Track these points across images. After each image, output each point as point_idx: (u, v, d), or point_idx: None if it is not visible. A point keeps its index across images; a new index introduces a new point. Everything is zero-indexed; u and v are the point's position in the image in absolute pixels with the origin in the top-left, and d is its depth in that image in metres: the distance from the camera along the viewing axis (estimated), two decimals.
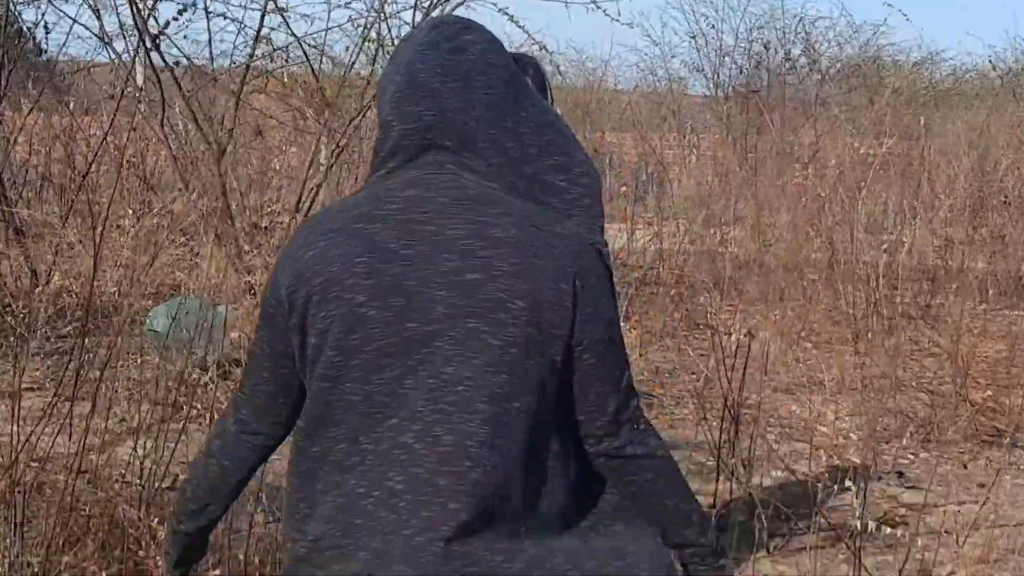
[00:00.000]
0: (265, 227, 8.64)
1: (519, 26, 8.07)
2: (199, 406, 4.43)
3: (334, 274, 1.88)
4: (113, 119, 7.08)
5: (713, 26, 16.44)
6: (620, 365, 1.95)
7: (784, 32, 16.19)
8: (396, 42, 8.14)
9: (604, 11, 11.36)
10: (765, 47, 15.78)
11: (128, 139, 8.28)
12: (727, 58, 16.44)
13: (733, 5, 16.29)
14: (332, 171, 8.95)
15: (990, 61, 18.13)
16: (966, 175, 10.85)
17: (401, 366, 1.85)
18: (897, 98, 14.44)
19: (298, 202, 8.44)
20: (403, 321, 1.86)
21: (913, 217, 10.28)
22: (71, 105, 9.45)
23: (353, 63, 8.55)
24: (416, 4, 8.06)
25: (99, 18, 8.52)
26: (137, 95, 8.00)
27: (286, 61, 8.91)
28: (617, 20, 11.41)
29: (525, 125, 1.99)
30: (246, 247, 7.94)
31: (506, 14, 8.10)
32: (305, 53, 8.35)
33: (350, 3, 8.10)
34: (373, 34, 8.19)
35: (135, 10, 7.69)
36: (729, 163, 13.03)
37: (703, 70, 16.98)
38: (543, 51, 8.53)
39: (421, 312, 1.85)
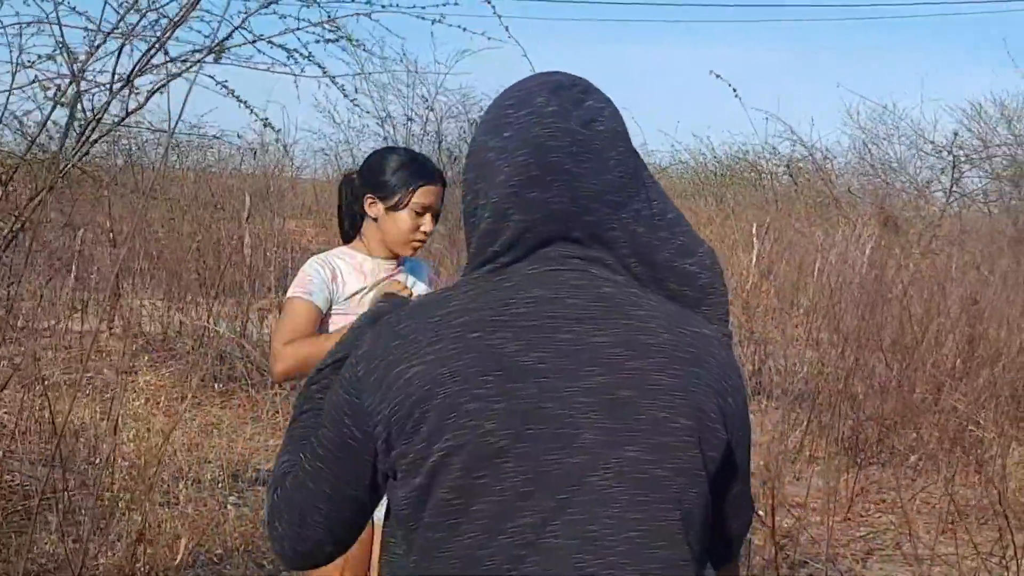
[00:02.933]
0: None
1: (247, 107, 6.96)
2: None
3: (451, 397, 1.54)
4: None
5: (409, 117, 15.78)
6: (749, 500, 1.75)
7: (472, 121, 15.80)
8: (89, 111, 6.98)
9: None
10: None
11: None
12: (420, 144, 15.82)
13: (423, 93, 15.59)
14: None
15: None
16: None
17: (543, 510, 1.52)
18: None
19: None
20: (542, 453, 1.53)
21: None
22: None
23: (39, 133, 7.14)
24: (115, 72, 6.79)
25: None
26: None
27: None
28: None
29: (651, 204, 1.73)
30: None
31: (237, 99, 7.00)
32: None
33: (40, 62, 6.56)
34: (65, 99, 6.82)
35: None
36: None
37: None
38: (268, 127, 7.40)
39: (565, 441, 1.54)
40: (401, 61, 13.28)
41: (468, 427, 1.53)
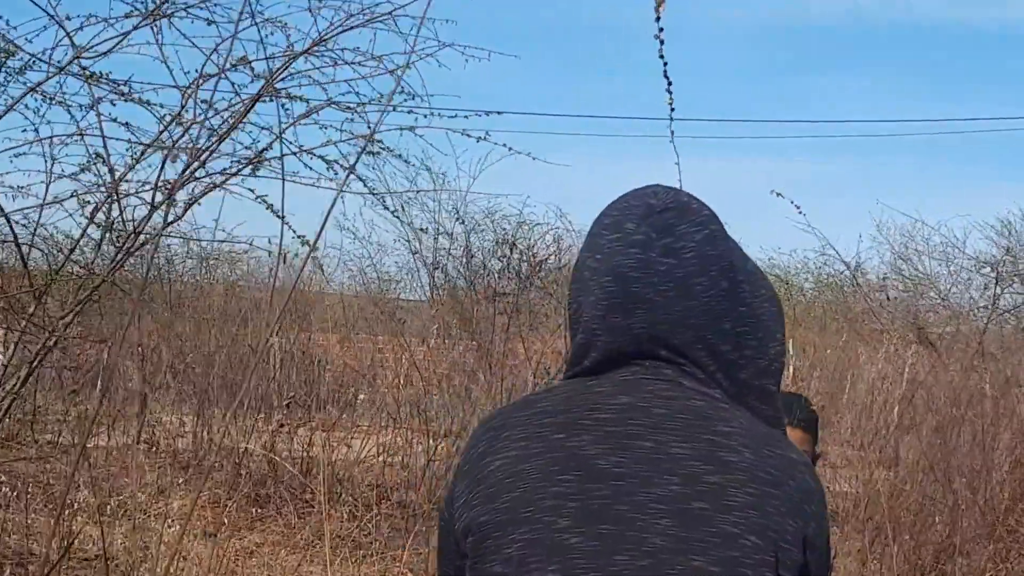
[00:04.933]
0: None
1: (285, 222, 6.85)
2: None
3: (528, 491, 1.63)
4: None
5: (424, 229, 15.70)
6: None
7: (501, 236, 15.72)
8: (127, 224, 6.88)
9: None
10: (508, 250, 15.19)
11: None
12: (445, 260, 15.72)
13: (447, 207, 15.52)
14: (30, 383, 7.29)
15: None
16: None
17: None
18: None
19: None
20: (612, 553, 1.58)
21: None
22: None
23: (73, 249, 7.02)
24: (157, 185, 6.72)
25: None
26: None
27: None
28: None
29: (743, 323, 1.76)
30: None
31: (276, 214, 6.89)
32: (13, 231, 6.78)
33: (76, 175, 6.48)
34: (101, 216, 6.73)
35: None
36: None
37: (418, 272, 16.17)
38: (304, 244, 7.24)
39: (635, 544, 1.59)
40: (427, 171, 13.27)
41: (544, 522, 1.60)
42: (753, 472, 1.62)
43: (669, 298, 1.71)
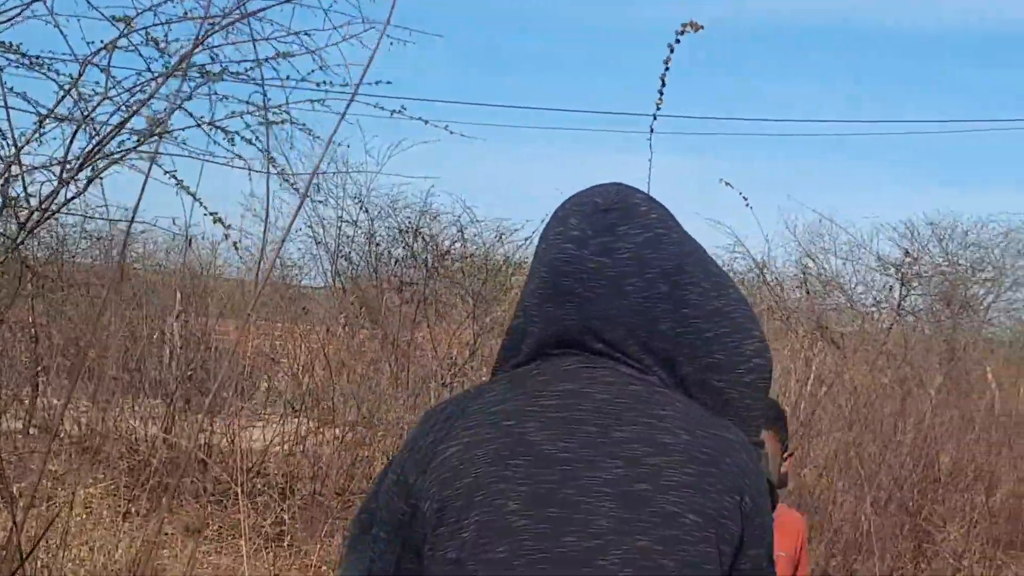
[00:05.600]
0: None
1: (197, 200, 6.61)
2: None
3: (480, 476, 1.68)
4: None
5: (340, 218, 15.44)
6: None
7: (404, 224, 15.51)
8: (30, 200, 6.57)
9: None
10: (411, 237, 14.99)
11: None
12: (349, 247, 15.48)
13: (351, 193, 15.24)
14: None
15: None
16: None
17: None
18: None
19: None
20: (559, 536, 1.65)
21: None
22: None
23: None
24: (64, 161, 6.42)
25: None
26: None
27: None
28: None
29: (684, 324, 1.80)
30: None
31: (187, 191, 6.64)
32: None
33: None
34: None
35: None
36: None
37: (321, 259, 15.90)
38: (218, 223, 6.99)
39: (581, 526, 1.65)
40: (337, 150, 12.99)
41: (494, 505, 1.65)
42: (690, 452, 1.69)
43: (600, 295, 1.77)
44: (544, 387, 1.76)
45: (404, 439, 1.82)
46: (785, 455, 3.51)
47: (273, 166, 7.27)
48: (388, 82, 6.88)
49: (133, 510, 5.80)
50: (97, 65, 6.23)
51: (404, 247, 15.64)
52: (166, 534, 6.33)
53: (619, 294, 1.77)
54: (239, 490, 5.45)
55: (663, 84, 4.59)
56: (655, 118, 4.72)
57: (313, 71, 6.67)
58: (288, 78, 6.69)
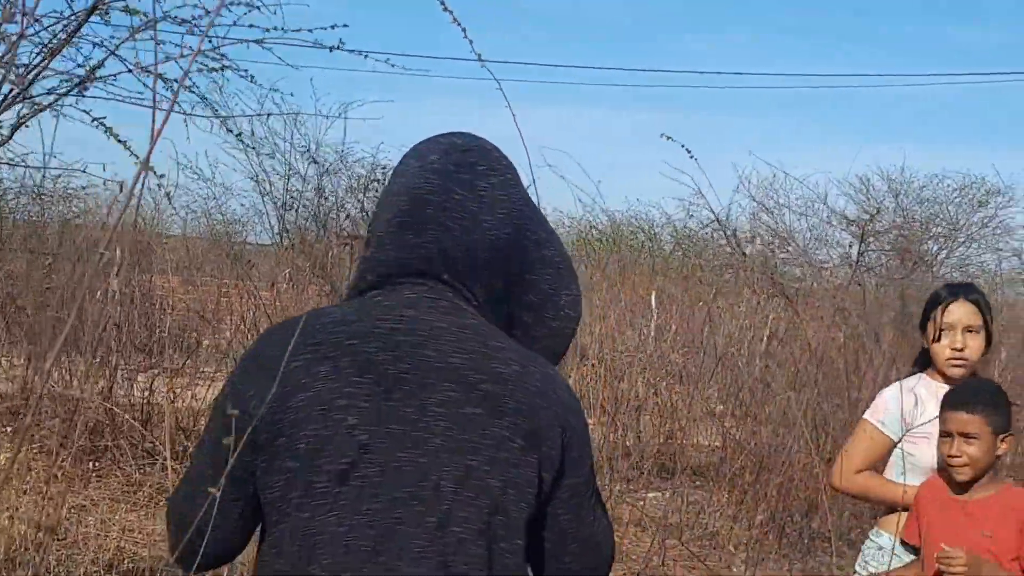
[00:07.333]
0: None
1: (127, 147, 6.34)
2: None
3: (322, 392, 1.79)
4: None
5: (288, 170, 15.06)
6: (592, 528, 1.92)
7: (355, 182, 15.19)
8: None
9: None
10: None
11: None
12: (297, 202, 15.14)
13: (300, 148, 14.88)
14: None
15: None
16: None
17: (390, 498, 1.77)
18: None
19: None
20: (396, 450, 1.78)
21: None
22: None
23: None
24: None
25: None
26: None
27: None
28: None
29: (519, 265, 1.95)
30: None
31: (116, 137, 6.36)
32: None
33: None
34: None
35: None
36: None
37: (267, 215, 15.53)
38: (150, 171, 6.68)
39: (416, 444, 1.78)
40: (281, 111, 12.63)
41: (335, 419, 1.76)
42: (521, 383, 1.82)
43: (461, 226, 1.88)
44: (388, 312, 1.85)
45: (248, 349, 1.86)
46: (1002, 437, 3.58)
47: (212, 111, 6.97)
48: (345, 25, 6.63)
49: (59, 475, 5.54)
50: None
51: (355, 203, 15.33)
52: (93, 501, 6.07)
53: (477, 228, 1.89)
54: (167, 451, 5.21)
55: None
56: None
57: (247, 12, 6.39)
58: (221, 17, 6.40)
